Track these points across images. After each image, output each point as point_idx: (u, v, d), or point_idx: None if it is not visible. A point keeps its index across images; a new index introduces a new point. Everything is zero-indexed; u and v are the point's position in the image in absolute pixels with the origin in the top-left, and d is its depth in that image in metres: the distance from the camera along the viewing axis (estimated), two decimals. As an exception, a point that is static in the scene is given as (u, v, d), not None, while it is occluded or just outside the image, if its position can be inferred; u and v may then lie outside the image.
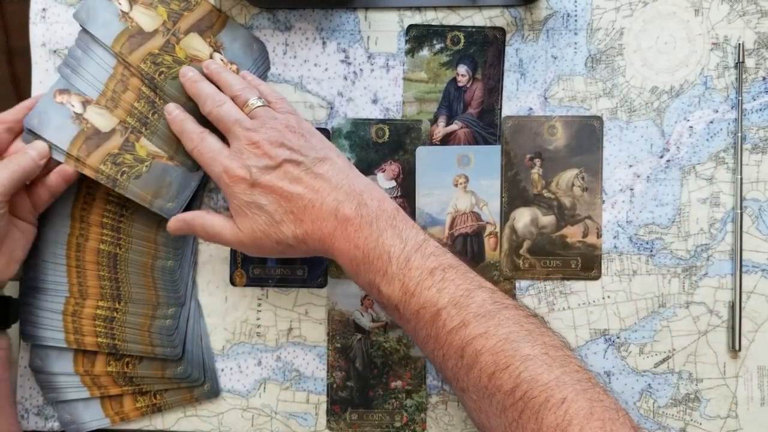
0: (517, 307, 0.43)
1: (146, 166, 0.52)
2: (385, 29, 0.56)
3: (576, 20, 0.55)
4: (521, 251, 0.55)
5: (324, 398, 0.55)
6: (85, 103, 0.52)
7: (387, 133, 0.55)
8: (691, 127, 0.54)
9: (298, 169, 0.47)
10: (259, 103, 0.50)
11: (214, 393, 0.55)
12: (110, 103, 0.53)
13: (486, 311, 0.42)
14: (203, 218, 0.50)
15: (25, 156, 0.50)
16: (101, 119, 0.52)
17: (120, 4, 0.53)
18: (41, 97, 0.53)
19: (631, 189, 0.54)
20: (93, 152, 0.52)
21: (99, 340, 0.54)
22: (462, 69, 0.55)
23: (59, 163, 0.52)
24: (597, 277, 0.54)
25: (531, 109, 0.55)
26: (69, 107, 0.52)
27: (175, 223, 0.51)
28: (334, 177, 0.47)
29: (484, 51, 0.55)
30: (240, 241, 0.48)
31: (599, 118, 0.54)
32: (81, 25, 0.53)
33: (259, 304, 0.56)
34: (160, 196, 0.53)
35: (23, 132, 0.52)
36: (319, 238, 0.46)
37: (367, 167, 0.55)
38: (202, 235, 0.50)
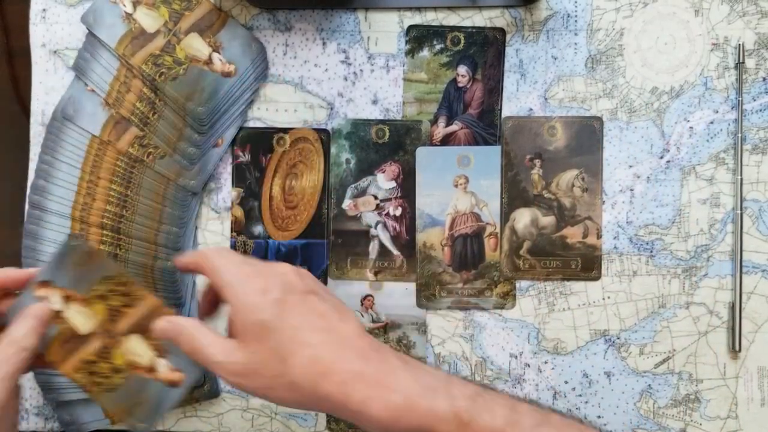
0: (563, 414, 0.41)
1: (122, 378, 0.44)
2: (385, 30, 0.55)
3: (576, 21, 0.55)
4: (521, 252, 0.55)
5: (324, 399, 0.55)
6: (66, 299, 0.45)
7: (387, 134, 0.55)
8: (691, 127, 0.54)
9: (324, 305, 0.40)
10: None
11: (214, 393, 0.55)
12: (116, 103, 0.54)
13: (538, 421, 0.38)
14: (191, 331, 0.40)
15: (26, 325, 0.42)
16: (81, 318, 0.45)
17: (124, 5, 0.54)
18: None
19: (631, 189, 0.54)
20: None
21: (99, 340, 0.54)
22: (462, 69, 0.55)
23: None
24: (597, 278, 0.54)
25: (531, 109, 0.55)
26: None
27: (161, 330, 0.42)
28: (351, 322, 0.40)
29: (484, 51, 0.55)
30: (230, 365, 0.39)
31: (599, 119, 0.54)
32: (88, 29, 0.54)
33: (259, 305, 0.56)
34: (133, 415, 0.44)
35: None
36: (342, 380, 0.37)
37: (367, 168, 0.55)
38: (185, 349, 0.40)
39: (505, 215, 0.55)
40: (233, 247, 0.56)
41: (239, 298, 0.40)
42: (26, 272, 0.45)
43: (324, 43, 0.56)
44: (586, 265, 0.54)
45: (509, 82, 0.55)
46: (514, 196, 0.55)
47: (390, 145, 0.55)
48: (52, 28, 0.56)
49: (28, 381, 0.56)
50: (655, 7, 0.54)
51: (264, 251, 0.56)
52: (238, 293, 0.40)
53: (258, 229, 0.56)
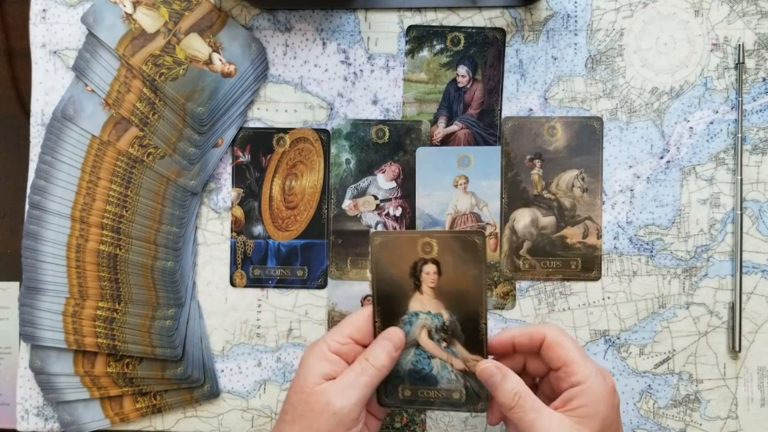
0: None
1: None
2: (385, 30, 0.56)
3: (576, 21, 0.55)
4: (521, 252, 0.55)
5: (324, 399, 0.55)
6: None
7: (387, 134, 0.55)
8: (691, 127, 0.54)
9: None
10: None
11: (214, 394, 0.55)
12: (116, 103, 0.54)
13: None
14: (519, 393, 0.43)
15: (382, 351, 0.45)
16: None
17: (124, 6, 0.54)
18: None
19: (631, 190, 0.54)
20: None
21: (99, 340, 0.54)
22: (462, 70, 0.55)
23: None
24: (597, 278, 0.54)
25: (531, 109, 0.55)
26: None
27: (484, 372, 0.45)
28: None
29: (484, 52, 0.55)
30: None
31: (599, 119, 0.54)
32: (88, 29, 0.54)
33: (259, 305, 0.56)
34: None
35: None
36: None
37: (367, 168, 0.55)
38: (499, 399, 0.44)
39: (505, 215, 0.55)
40: (233, 247, 0.56)
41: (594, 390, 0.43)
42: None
43: (324, 44, 0.56)
44: (586, 265, 0.54)
45: (509, 82, 0.55)
46: (514, 196, 0.55)
47: (390, 145, 0.55)
48: (52, 28, 0.56)
49: (28, 381, 0.56)
50: (655, 7, 0.54)
51: (264, 251, 0.56)
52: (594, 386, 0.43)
53: (258, 229, 0.56)
